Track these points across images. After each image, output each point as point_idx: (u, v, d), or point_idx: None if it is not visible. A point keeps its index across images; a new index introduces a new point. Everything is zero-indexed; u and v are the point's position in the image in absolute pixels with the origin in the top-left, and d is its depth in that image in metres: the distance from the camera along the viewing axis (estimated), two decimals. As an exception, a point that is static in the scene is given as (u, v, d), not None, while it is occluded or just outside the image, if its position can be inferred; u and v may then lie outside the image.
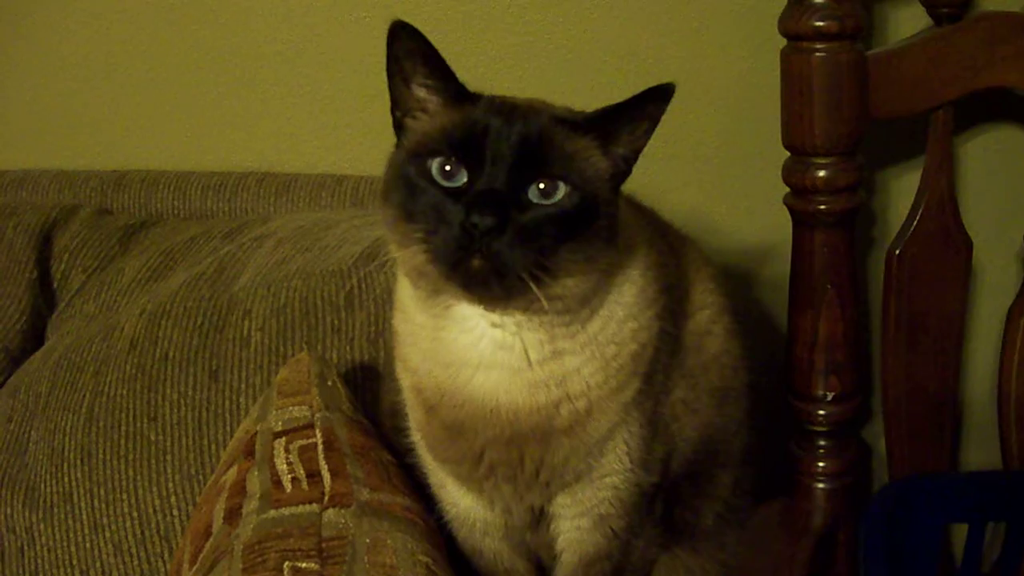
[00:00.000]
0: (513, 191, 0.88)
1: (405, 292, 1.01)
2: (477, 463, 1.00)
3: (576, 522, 1.05)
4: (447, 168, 0.89)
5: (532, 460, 0.99)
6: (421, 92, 0.95)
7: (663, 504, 1.10)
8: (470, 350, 0.97)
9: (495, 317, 0.95)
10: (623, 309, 0.98)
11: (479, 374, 0.97)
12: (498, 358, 0.96)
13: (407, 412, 1.07)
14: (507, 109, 0.92)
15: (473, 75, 1.53)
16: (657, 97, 0.91)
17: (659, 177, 1.56)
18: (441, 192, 0.89)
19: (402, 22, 0.90)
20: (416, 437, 1.07)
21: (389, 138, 1.60)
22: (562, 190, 0.89)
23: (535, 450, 0.98)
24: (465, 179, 0.89)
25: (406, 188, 0.91)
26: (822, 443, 1.38)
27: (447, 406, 0.99)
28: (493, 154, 0.88)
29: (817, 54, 1.25)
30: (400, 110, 0.97)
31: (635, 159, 0.95)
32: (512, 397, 0.97)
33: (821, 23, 1.24)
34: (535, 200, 0.89)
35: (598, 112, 0.93)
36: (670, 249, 1.10)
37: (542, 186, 0.89)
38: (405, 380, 1.05)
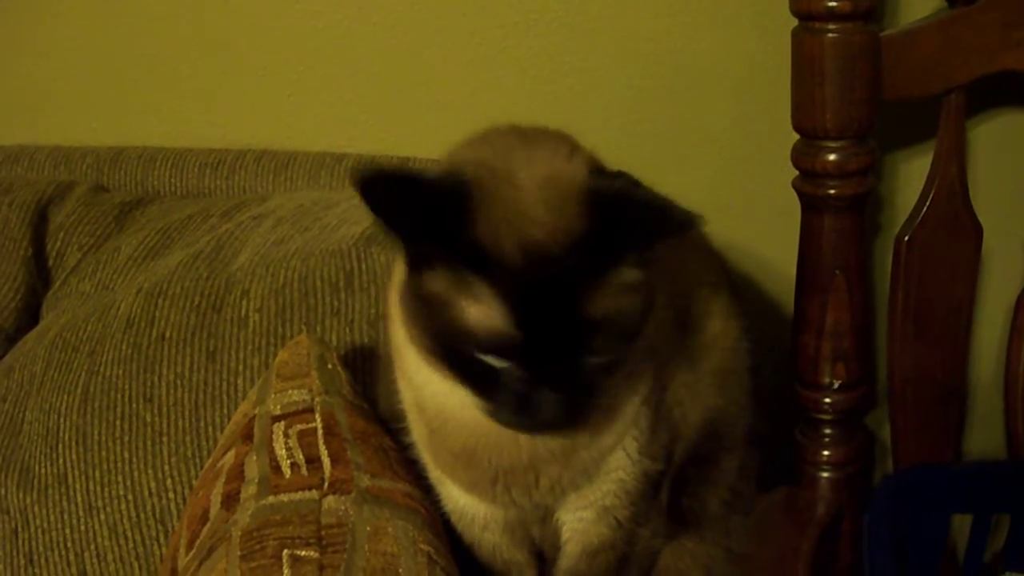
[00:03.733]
0: None
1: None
2: (490, 484, 0.96)
3: (579, 514, 1.03)
4: None
5: (549, 478, 0.96)
6: None
7: (669, 493, 1.08)
8: None
9: None
10: None
11: None
12: None
13: (408, 420, 1.02)
14: None
15: (466, 47, 1.53)
16: None
17: (665, 159, 1.54)
18: None
19: None
20: (418, 445, 1.02)
21: (389, 116, 1.60)
22: None
23: (554, 469, 0.95)
24: None
25: None
26: (827, 431, 1.37)
27: (454, 433, 0.95)
28: None
29: (829, 35, 1.23)
30: None
31: None
32: None
33: (834, 3, 1.21)
34: None
35: None
36: None
37: None
38: (406, 393, 1.00)
